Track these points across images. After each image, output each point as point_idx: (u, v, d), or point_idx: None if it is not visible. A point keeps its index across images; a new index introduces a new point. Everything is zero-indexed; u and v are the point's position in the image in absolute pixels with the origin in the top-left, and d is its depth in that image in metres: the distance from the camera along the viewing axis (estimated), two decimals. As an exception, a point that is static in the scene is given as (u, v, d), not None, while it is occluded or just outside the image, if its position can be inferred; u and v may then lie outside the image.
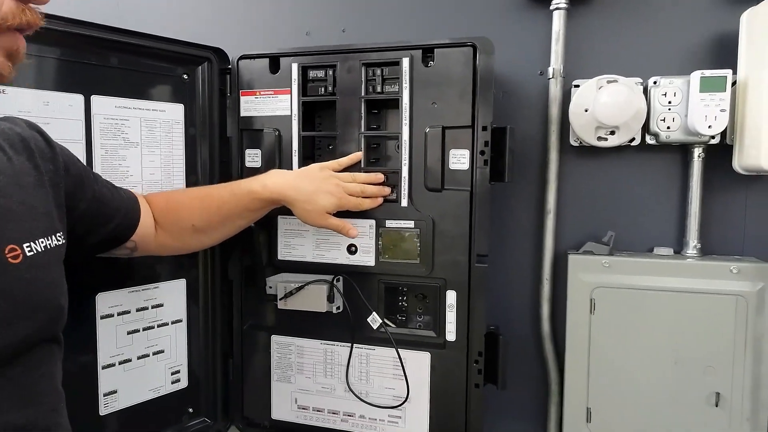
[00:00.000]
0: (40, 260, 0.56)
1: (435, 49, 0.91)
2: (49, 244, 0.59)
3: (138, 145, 0.94)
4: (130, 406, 0.94)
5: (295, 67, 0.97)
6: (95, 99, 0.87)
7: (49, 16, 0.80)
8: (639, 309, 0.94)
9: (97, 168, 0.88)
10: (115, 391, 0.92)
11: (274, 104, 1.00)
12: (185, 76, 1.00)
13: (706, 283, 0.91)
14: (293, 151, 0.99)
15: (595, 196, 1.02)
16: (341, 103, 0.96)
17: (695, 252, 0.96)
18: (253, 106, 1.01)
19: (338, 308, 0.98)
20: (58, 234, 0.61)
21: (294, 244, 1.00)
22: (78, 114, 0.85)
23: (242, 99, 1.02)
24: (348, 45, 0.97)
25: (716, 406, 0.91)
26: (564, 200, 1.03)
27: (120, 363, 0.92)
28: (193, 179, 1.02)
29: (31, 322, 0.55)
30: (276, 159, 1.00)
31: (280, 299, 0.96)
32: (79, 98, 0.85)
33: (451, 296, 0.93)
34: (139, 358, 0.95)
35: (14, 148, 0.60)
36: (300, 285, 0.96)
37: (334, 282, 0.96)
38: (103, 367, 0.90)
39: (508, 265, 1.07)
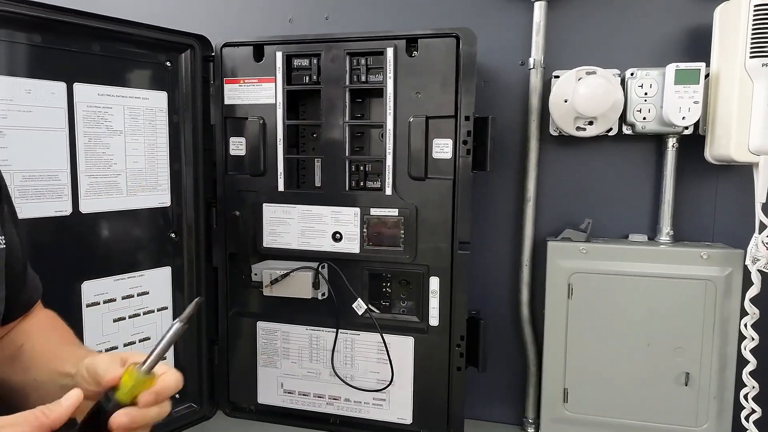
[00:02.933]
0: None
1: (419, 39, 0.92)
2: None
3: (122, 133, 0.94)
4: (116, 393, 0.95)
5: (279, 55, 0.98)
6: (78, 87, 0.87)
7: (30, 3, 0.79)
8: (614, 293, 0.97)
9: (81, 157, 0.88)
10: (101, 378, 0.92)
11: (258, 92, 1.00)
12: (168, 64, 1.00)
13: (677, 268, 0.95)
14: (278, 140, 1.00)
15: (574, 184, 1.05)
16: (325, 92, 0.97)
17: (668, 239, 1.00)
18: (237, 94, 1.02)
19: (323, 295, 1.00)
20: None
21: (279, 231, 1.01)
22: (60, 102, 0.85)
23: (226, 87, 1.02)
24: (332, 34, 0.97)
25: (685, 385, 0.95)
26: (543, 188, 1.06)
27: (106, 350, 0.93)
28: (176, 167, 1.02)
29: None
30: (260, 147, 1.00)
31: (266, 286, 0.98)
32: (62, 86, 0.85)
33: (434, 282, 0.96)
34: (125, 345, 0.96)
35: None
36: (285, 272, 0.97)
37: (320, 269, 0.98)
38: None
39: (489, 252, 1.10)
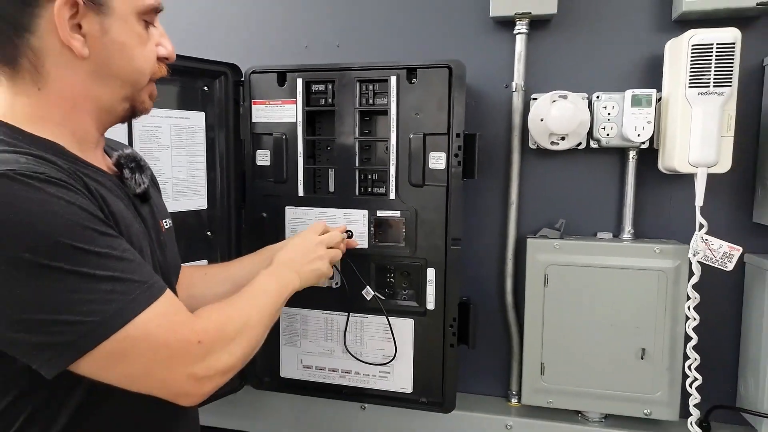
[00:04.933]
0: (170, 233, 0.86)
1: (417, 69, 1.10)
2: (171, 225, 0.87)
3: (168, 148, 1.12)
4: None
5: (299, 81, 1.16)
6: (135, 110, 1.04)
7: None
8: (583, 282, 1.15)
9: (137, 168, 1.05)
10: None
11: (281, 112, 1.18)
12: (205, 88, 1.18)
13: (636, 261, 1.12)
14: (298, 153, 1.17)
15: (550, 190, 1.23)
16: (339, 112, 1.15)
17: (629, 236, 1.17)
18: (263, 113, 1.19)
19: (337, 284, 1.17)
20: (169, 219, 0.87)
21: (299, 230, 1.18)
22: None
23: (254, 107, 1.20)
24: (344, 64, 1.15)
25: (642, 359, 1.13)
26: (524, 193, 1.24)
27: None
28: (212, 175, 1.20)
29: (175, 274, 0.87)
30: (283, 158, 1.18)
31: None
32: (123, 110, 1.03)
33: (430, 273, 1.13)
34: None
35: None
36: None
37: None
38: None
39: (478, 247, 1.27)
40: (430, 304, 1.14)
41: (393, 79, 1.10)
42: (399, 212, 1.13)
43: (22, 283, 0.56)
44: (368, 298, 1.16)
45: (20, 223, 0.56)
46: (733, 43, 0.97)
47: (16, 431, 0.64)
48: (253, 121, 1.20)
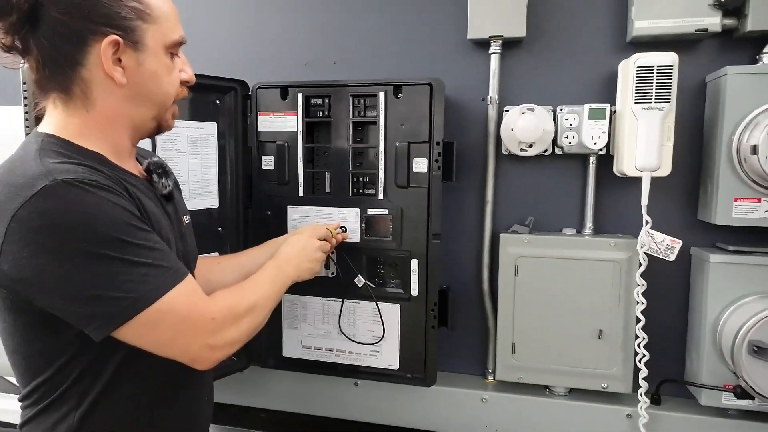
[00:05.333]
0: (190, 227, 1.02)
1: (403, 86, 1.26)
2: (189, 220, 1.03)
3: (185, 154, 1.28)
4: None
5: (300, 96, 1.32)
6: (158, 122, 1.21)
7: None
8: (549, 272, 1.30)
9: (159, 172, 1.22)
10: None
11: (283, 123, 1.34)
12: (217, 102, 1.34)
13: (594, 253, 1.28)
14: (299, 158, 1.34)
15: (521, 191, 1.39)
16: (334, 123, 1.31)
17: (590, 231, 1.33)
18: (268, 123, 1.36)
19: (332, 273, 1.33)
20: (188, 215, 1.03)
21: (299, 226, 1.35)
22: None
23: (260, 118, 1.36)
24: (340, 81, 1.31)
25: (599, 339, 1.29)
26: (498, 194, 1.40)
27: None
28: (223, 178, 1.36)
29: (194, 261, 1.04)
30: (285, 163, 1.34)
31: None
32: (147, 122, 1.19)
33: (414, 263, 1.29)
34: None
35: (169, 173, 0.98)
36: None
37: (330, 254, 1.31)
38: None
39: (458, 241, 1.43)
40: (414, 291, 1.30)
41: (381, 95, 1.27)
42: (387, 210, 1.29)
43: (79, 266, 0.73)
44: (360, 286, 1.32)
45: (78, 220, 0.72)
46: (671, 65, 1.13)
47: (68, 386, 0.81)
48: (259, 130, 1.36)
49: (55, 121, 0.84)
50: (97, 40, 0.79)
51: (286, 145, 1.34)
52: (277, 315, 1.40)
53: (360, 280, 1.32)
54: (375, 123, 1.28)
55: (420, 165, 1.27)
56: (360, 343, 1.34)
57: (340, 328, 1.35)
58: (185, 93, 0.93)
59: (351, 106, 1.30)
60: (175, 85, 0.89)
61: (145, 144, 1.18)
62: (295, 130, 1.33)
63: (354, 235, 1.32)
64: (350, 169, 1.32)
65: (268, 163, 1.37)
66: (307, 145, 1.34)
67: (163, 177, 0.94)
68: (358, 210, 1.31)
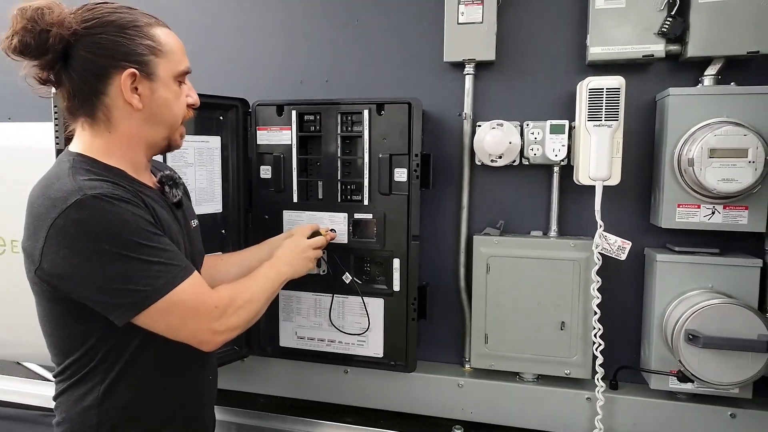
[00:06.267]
0: (198, 230, 1.18)
1: (385, 105, 1.42)
2: (197, 223, 1.19)
3: (192, 165, 1.44)
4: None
5: (293, 113, 1.48)
6: (168, 137, 1.37)
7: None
8: (517, 270, 1.46)
9: (169, 181, 1.37)
10: (180, 324, 1.42)
11: (279, 137, 1.50)
12: (221, 117, 1.50)
13: (557, 253, 1.43)
14: (293, 168, 1.50)
15: (493, 197, 1.54)
16: (325, 137, 1.47)
17: (554, 234, 1.48)
18: (265, 137, 1.51)
19: (324, 271, 1.49)
20: (196, 219, 1.18)
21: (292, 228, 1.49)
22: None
23: (258, 132, 1.52)
24: (329, 99, 1.47)
25: (562, 330, 1.44)
26: (473, 200, 1.55)
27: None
28: (225, 186, 1.52)
29: (201, 260, 1.17)
30: (281, 172, 1.50)
31: None
32: (159, 137, 1.35)
33: (396, 262, 1.45)
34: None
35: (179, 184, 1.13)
36: None
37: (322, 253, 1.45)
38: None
39: (437, 243, 1.59)
40: (396, 287, 1.46)
41: (366, 112, 1.42)
42: (371, 215, 1.45)
43: (105, 264, 0.89)
44: (347, 282, 1.47)
45: (104, 227, 0.89)
46: (618, 88, 1.28)
47: (95, 364, 0.97)
48: (258, 143, 1.52)
49: (83, 141, 1.00)
50: (117, 73, 0.95)
51: (281, 156, 1.50)
52: (274, 308, 1.56)
53: (347, 277, 1.47)
54: (360, 137, 1.44)
55: (400, 174, 1.42)
56: (348, 333, 1.50)
57: (330, 321, 1.51)
58: (191, 114, 1.09)
59: (339, 122, 1.45)
60: (182, 109, 1.05)
61: (157, 156, 1.34)
62: (290, 143, 1.49)
63: (342, 237, 1.47)
64: (339, 177, 1.47)
65: (266, 172, 1.53)
66: (301, 157, 1.50)
67: (174, 188, 1.10)
68: (346, 214, 1.47)
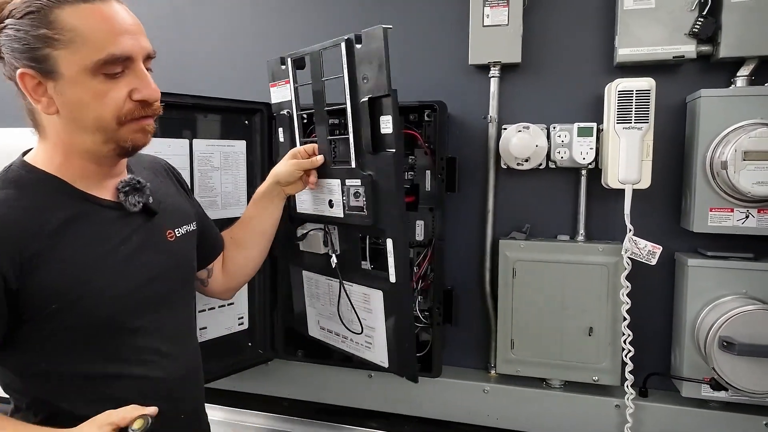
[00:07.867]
0: (183, 239, 1.02)
1: (410, 108, 1.41)
2: (188, 230, 1.06)
3: (219, 169, 1.45)
4: (213, 338, 1.45)
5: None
6: (195, 141, 1.38)
7: (172, 95, 1.30)
8: (544, 275, 1.44)
9: (195, 184, 1.38)
10: (205, 327, 1.43)
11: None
12: (246, 122, 1.51)
13: (585, 257, 1.41)
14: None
15: (518, 201, 1.53)
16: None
17: (582, 238, 1.46)
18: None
19: (335, 251, 1.35)
20: (192, 224, 1.08)
21: (303, 199, 1.38)
22: (186, 151, 1.36)
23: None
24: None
25: (590, 335, 1.41)
26: (498, 204, 1.54)
27: (209, 309, 1.44)
28: (251, 190, 1.52)
29: (177, 276, 1.01)
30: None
31: (297, 241, 1.41)
32: (186, 142, 1.36)
33: (389, 244, 1.22)
34: (219, 307, 1.46)
35: (159, 173, 1.07)
36: (305, 232, 1.40)
37: (329, 229, 1.35)
38: (199, 311, 1.40)
39: (462, 246, 1.58)
40: (393, 278, 1.23)
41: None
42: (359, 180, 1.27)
43: None
44: (333, 265, 1.32)
45: None
46: (649, 90, 1.26)
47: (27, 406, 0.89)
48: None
49: (35, 148, 0.90)
50: (19, 74, 0.80)
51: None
52: (301, 294, 1.50)
53: (333, 261, 1.32)
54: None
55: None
56: (352, 331, 1.37)
57: (338, 314, 1.37)
58: (149, 111, 0.86)
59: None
60: (111, 109, 0.82)
61: (183, 160, 1.35)
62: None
63: (339, 210, 1.28)
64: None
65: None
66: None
67: (132, 195, 0.92)
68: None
